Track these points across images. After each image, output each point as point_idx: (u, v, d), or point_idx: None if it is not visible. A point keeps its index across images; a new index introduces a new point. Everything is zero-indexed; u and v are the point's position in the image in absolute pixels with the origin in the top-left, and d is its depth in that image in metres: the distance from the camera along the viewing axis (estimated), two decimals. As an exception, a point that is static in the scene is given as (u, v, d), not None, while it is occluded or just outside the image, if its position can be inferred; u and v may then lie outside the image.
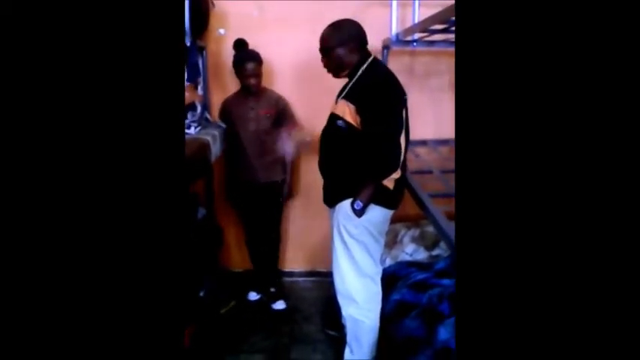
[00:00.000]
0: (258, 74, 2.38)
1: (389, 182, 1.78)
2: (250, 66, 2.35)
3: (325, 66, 1.86)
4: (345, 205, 1.79)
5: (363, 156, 1.72)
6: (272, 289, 2.70)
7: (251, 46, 2.47)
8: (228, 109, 2.51)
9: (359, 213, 1.74)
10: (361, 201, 1.73)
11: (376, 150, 1.69)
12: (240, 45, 2.41)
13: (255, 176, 2.49)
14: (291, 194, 2.68)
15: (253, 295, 2.72)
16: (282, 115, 2.50)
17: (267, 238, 2.65)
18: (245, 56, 2.37)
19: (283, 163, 2.56)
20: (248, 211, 2.62)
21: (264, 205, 2.56)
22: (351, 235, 1.81)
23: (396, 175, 1.79)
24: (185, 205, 2.13)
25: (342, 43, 1.77)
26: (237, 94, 2.52)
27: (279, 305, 2.65)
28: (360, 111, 1.69)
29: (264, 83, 2.51)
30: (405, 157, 1.84)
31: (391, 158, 1.70)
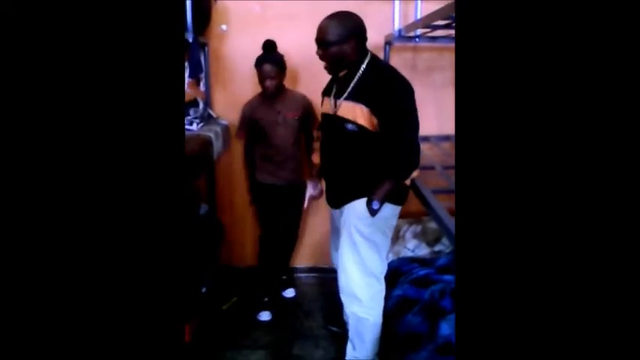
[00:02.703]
0: (274, 77, 2.30)
1: (408, 180, 1.80)
2: (267, 68, 2.29)
3: (321, 59, 1.77)
4: (357, 205, 1.76)
5: (379, 157, 1.69)
6: (283, 277, 2.75)
7: (253, 42, 2.45)
8: (254, 116, 2.43)
9: (374, 212, 1.72)
10: (379, 201, 1.71)
11: (402, 152, 1.67)
12: (266, 46, 2.34)
13: (283, 179, 2.48)
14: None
15: (266, 315, 2.54)
16: (306, 116, 2.47)
17: (284, 238, 2.65)
18: (263, 58, 2.31)
19: (303, 163, 2.58)
20: (271, 212, 2.58)
21: (289, 206, 2.56)
22: (362, 235, 1.78)
23: (416, 173, 1.80)
24: (185, 200, 2.13)
25: (343, 39, 1.69)
26: (259, 98, 2.46)
27: (290, 293, 2.73)
28: (376, 113, 1.64)
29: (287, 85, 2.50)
30: None
31: (413, 158, 1.70)
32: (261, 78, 2.32)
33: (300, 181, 2.54)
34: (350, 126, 1.69)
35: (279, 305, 2.62)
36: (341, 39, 1.69)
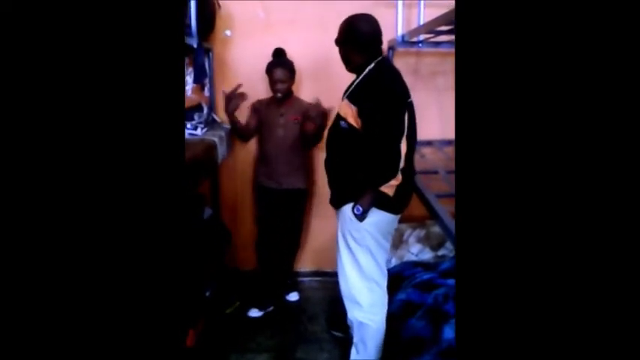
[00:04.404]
0: (284, 81, 2.40)
1: (388, 189, 1.73)
2: (278, 72, 2.39)
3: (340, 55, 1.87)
4: (348, 209, 1.78)
5: (363, 160, 1.72)
6: (289, 281, 2.79)
7: (257, 47, 2.51)
8: (260, 112, 2.52)
9: (360, 218, 1.74)
10: (361, 206, 1.72)
11: (373, 155, 1.68)
12: (276, 53, 2.46)
13: (279, 182, 2.51)
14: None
15: (255, 312, 2.58)
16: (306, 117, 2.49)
17: (282, 244, 2.63)
18: (275, 63, 2.42)
19: (307, 170, 2.57)
20: (268, 215, 2.60)
21: (286, 211, 2.56)
22: (354, 240, 1.81)
23: (396, 181, 1.73)
24: (187, 205, 2.14)
25: (350, 40, 1.77)
26: (269, 100, 2.53)
27: (293, 297, 2.75)
28: (361, 114, 1.69)
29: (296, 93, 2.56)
30: (412, 161, 1.81)
31: (388, 165, 1.67)
32: (273, 82, 2.41)
33: (298, 187, 2.54)
34: (343, 123, 1.75)
35: (282, 309, 2.62)
36: (349, 38, 1.78)
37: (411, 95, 1.78)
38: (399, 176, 1.73)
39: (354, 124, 1.71)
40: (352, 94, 1.76)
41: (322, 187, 2.78)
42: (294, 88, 2.56)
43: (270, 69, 2.42)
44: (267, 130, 2.50)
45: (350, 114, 1.72)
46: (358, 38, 1.76)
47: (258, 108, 2.54)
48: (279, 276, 2.71)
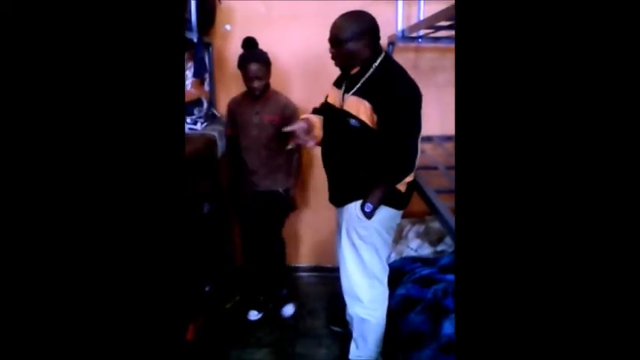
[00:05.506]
0: (261, 77, 2.18)
1: (402, 185, 1.74)
2: (253, 67, 2.16)
3: (333, 57, 1.77)
4: (354, 207, 1.76)
5: (376, 157, 1.68)
6: (284, 292, 2.62)
7: (257, 42, 2.45)
8: (233, 111, 2.37)
9: (369, 215, 1.72)
10: (372, 204, 1.70)
11: (393, 152, 1.65)
12: (248, 44, 2.22)
13: (254, 183, 2.38)
14: (292, 206, 2.51)
15: (254, 315, 2.52)
16: (287, 123, 2.28)
17: (264, 246, 2.52)
18: (249, 56, 2.18)
19: (287, 172, 2.41)
20: (246, 216, 2.51)
21: (263, 213, 2.43)
22: (360, 237, 1.80)
23: (410, 178, 1.75)
24: (187, 200, 2.13)
25: (355, 37, 1.68)
26: (243, 96, 2.36)
27: (288, 310, 2.56)
28: (377, 110, 1.63)
29: (274, 85, 2.37)
30: None
31: (407, 162, 1.66)
32: (248, 78, 2.19)
33: (275, 190, 2.38)
34: (353, 121, 1.68)
35: (278, 323, 2.52)
36: (355, 36, 1.68)
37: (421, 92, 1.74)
38: (413, 173, 1.73)
39: (368, 121, 1.65)
40: (363, 91, 1.69)
41: (319, 180, 2.77)
42: (290, 83, 2.49)
43: (243, 64, 2.17)
44: (242, 129, 2.31)
45: (362, 111, 1.65)
46: (367, 32, 1.69)
47: (232, 109, 2.37)
48: (272, 273, 2.63)
